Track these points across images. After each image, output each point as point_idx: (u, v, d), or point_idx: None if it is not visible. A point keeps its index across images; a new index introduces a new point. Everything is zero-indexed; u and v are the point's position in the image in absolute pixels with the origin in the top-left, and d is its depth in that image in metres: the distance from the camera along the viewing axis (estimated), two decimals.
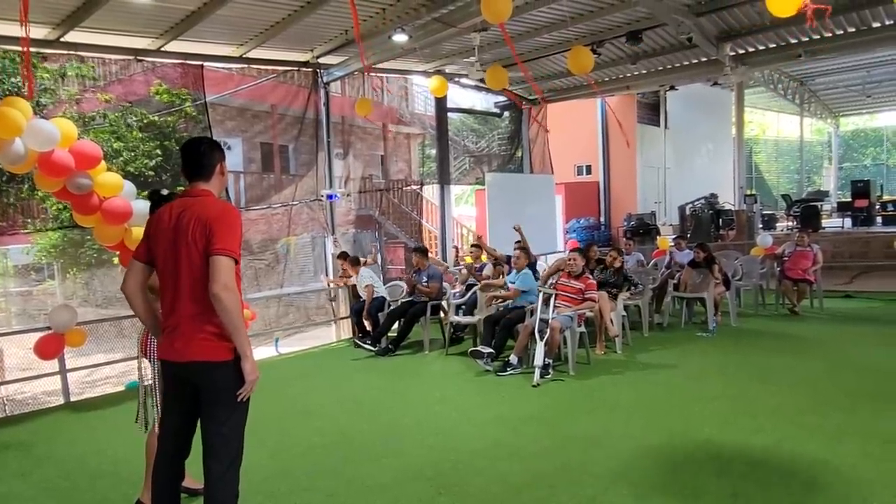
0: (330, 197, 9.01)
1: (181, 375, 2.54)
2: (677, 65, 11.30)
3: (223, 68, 8.31)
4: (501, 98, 13.09)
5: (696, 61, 11.01)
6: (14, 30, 6.18)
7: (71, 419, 5.45)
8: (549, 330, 5.83)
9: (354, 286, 8.05)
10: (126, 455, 4.25)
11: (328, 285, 8.95)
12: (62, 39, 6.48)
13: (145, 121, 10.66)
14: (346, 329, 8.71)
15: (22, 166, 4.86)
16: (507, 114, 13.31)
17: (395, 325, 7.55)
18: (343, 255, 8.47)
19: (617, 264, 7.31)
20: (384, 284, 8.47)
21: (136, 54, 7.21)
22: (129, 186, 5.48)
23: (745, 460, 3.79)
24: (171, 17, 6.52)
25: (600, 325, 6.73)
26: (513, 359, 6.06)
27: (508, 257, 7.97)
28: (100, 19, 6.12)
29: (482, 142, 16.43)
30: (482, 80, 10.89)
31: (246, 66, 8.30)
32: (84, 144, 5.11)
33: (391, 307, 7.74)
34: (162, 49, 7.34)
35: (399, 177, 16.15)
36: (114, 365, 7.46)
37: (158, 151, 10.91)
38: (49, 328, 5.63)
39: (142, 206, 5.35)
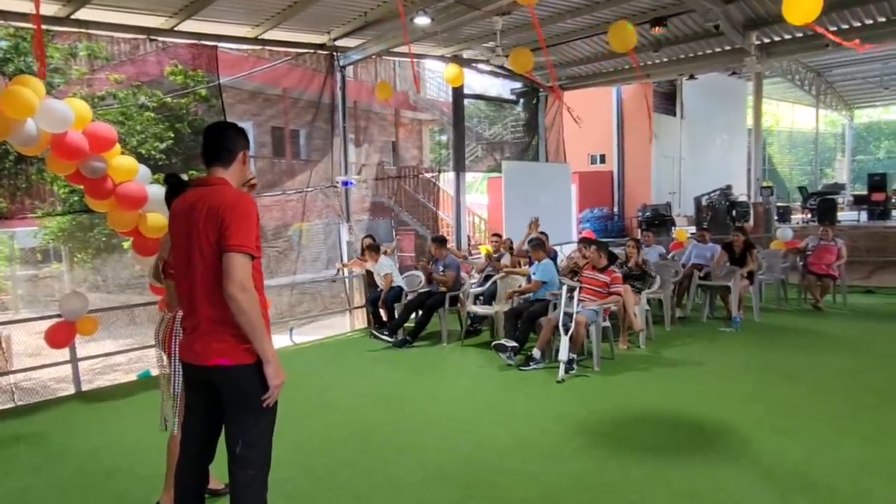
0: (345, 183, 8.81)
1: (203, 378, 2.37)
2: (699, 53, 11.03)
3: (237, 49, 8.08)
4: (517, 84, 12.84)
5: (718, 50, 10.75)
6: (25, 5, 6.00)
7: (83, 410, 5.31)
8: (573, 324, 5.65)
9: (370, 275, 7.88)
10: (142, 450, 4.12)
11: (341, 271, 8.77)
12: (73, 17, 6.28)
13: (157, 102, 10.43)
14: (360, 319, 8.55)
15: (34, 148, 4.68)
16: (522, 101, 13.05)
17: (413, 316, 7.40)
18: (369, 238, 8.31)
19: (634, 256, 7.13)
20: (401, 274, 8.32)
21: (149, 33, 7.00)
22: (143, 170, 5.30)
23: (789, 468, 3.62)
24: None
25: (624, 319, 6.55)
26: (536, 353, 5.90)
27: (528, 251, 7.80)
28: None
29: (495, 128, 16.17)
30: (500, 66, 10.69)
31: (261, 47, 8.08)
32: (99, 126, 4.92)
33: (408, 297, 7.58)
34: (175, 29, 7.13)
35: (410, 164, 15.95)
36: (126, 353, 7.32)
37: (170, 134, 10.69)
38: (59, 316, 5.48)
39: (156, 191, 5.19)
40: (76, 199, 9.37)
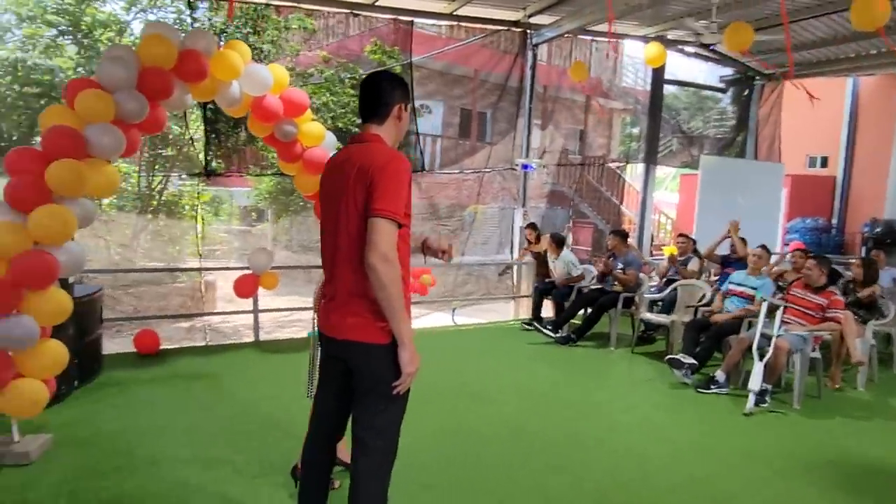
0: (525, 167, 8.46)
1: (336, 353, 2.20)
2: None
3: (432, 25, 8.08)
4: (727, 71, 11.42)
5: None
6: None
7: (257, 358, 5.68)
8: (772, 349, 4.76)
9: (540, 263, 7.48)
10: (300, 408, 4.20)
11: (522, 260, 8.45)
12: None
13: (357, 78, 10.98)
14: (525, 308, 8.22)
15: (237, 109, 5.00)
16: (732, 90, 11.59)
17: (580, 313, 6.89)
18: (532, 226, 7.96)
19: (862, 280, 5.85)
20: None
21: (353, 9, 7.24)
22: (330, 137, 5.45)
23: None
24: None
25: (839, 351, 5.42)
26: (719, 375, 5.09)
27: (723, 258, 6.84)
28: None
29: (695, 121, 14.69)
30: (709, 48, 9.54)
31: (455, 23, 7.99)
32: (293, 92, 5.12)
33: (580, 293, 7.08)
34: (376, 4, 7.29)
35: (597, 153, 15.15)
36: (302, 311, 7.79)
37: None
38: (248, 269, 5.90)
39: None
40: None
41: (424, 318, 8.28)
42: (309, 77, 10.16)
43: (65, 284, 4.03)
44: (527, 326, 7.15)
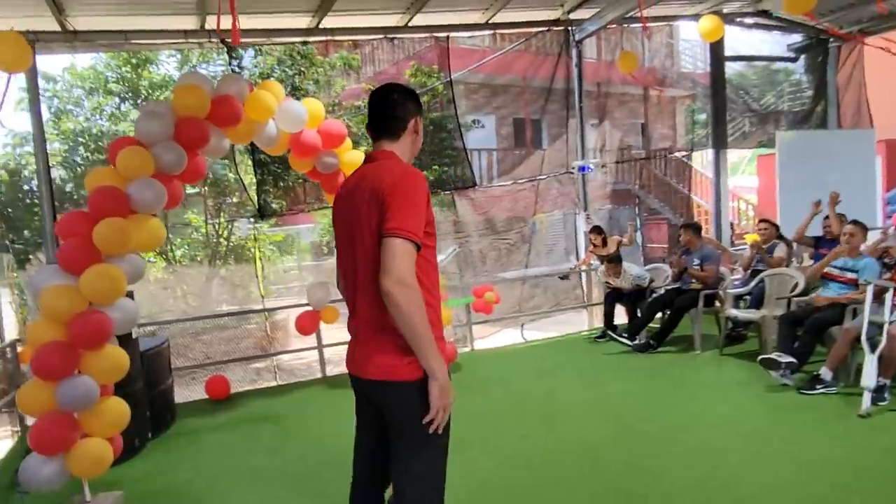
0: (582, 169, 8.09)
1: (365, 393, 2.03)
2: None
3: (469, 37, 7.93)
4: (796, 38, 10.58)
5: None
6: (279, 22, 6.60)
7: (323, 395, 5.62)
8: (885, 338, 4.18)
9: (611, 267, 7.07)
10: None
11: (578, 267, 8.08)
12: (320, 26, 6.72)
13: None
14: (599, 316, 7.80)
15: (276, 148, 5.01)
16: (804, 58, 10.72)
17: (658, 316, 6.43)
18: (596, 230, 7.58)
19: None
20: (644, 266, 7.34)
21: (386, 32, 7.21)
22: None
23: None
24: None
25: None
26: (825, 373, 4.52)
27: (816, 238, 6.22)
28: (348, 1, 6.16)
29: (768, 97, 13.75)
30: (770, 15, 8.88)
31: (493, 31, 7.81)
32: (330, 124, 5.09)
33: (654, 294, 6.62)
34: (409, 25, 7.23)
35: (662, 145, 14.47)
36: None
37: None
38: (308, 305, 5.87)
39: None
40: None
41: (492, 338, 8.02)
42: (356, 110, 10.27)
43: (127, 339, 4.10)
44: (599, 338, 6.75)
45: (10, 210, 9.64)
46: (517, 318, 7.95)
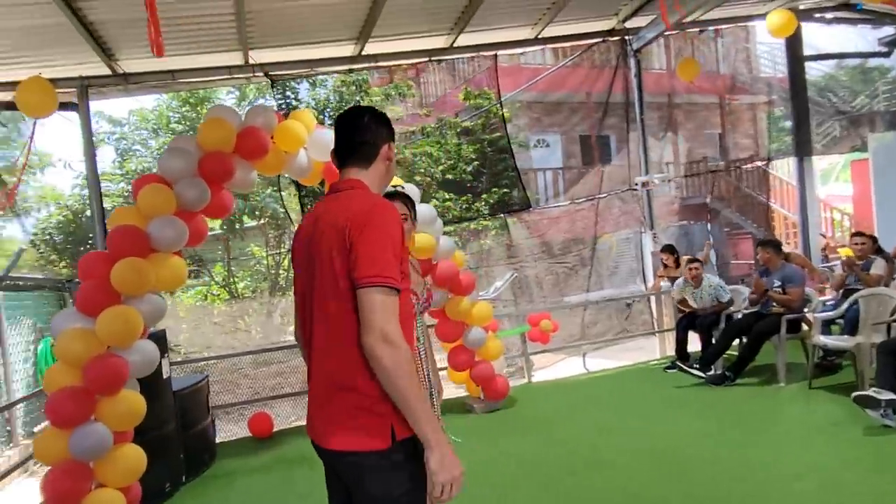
0: (646, 185, 7.52)
1: (331, 464, 1.72)
2: None
3: (521, 54, 7.63)
4: (888, 31, 9.55)
5: None
6: (322, 52, 6.56)
7: None
8: None
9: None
10: None
11: (655, 289, 7.44)
12: (363, 53, 6.63)
13: (459, 129, 10.86)
14: (670, 342, 7.15)
15: (309, 178, 4.89)
16: None
17: (735, 343, 5.78)
18: (668, 249, 6.99)
19: None
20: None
21: (431, 55, 7.04)
22: (410, 188, 5.15)
23: None
24: (454, 4, 6.08)
25: None
26: None
27: None
28: (387, 25, 6.02)
29: (860, 98, 12.57)
30: (849, 7, 8.05)
31: (542, 46, 7.47)
32: None
33: (729, 319, 5.96)
34: (454, 46, 7.03)
35: (743, 155, 13.50)
36: None
37: (473, 156, 10.98)
38: None
39: (424, 211, 5.01)
40: None
41: (554, 367, 7.52)
42: (412, 134, 10.19)
43: (157, 380, 4.02)
44: (669, 368, 6.13)
45: (79, 249, 10.11)
46: (579, 346, 7.43)
